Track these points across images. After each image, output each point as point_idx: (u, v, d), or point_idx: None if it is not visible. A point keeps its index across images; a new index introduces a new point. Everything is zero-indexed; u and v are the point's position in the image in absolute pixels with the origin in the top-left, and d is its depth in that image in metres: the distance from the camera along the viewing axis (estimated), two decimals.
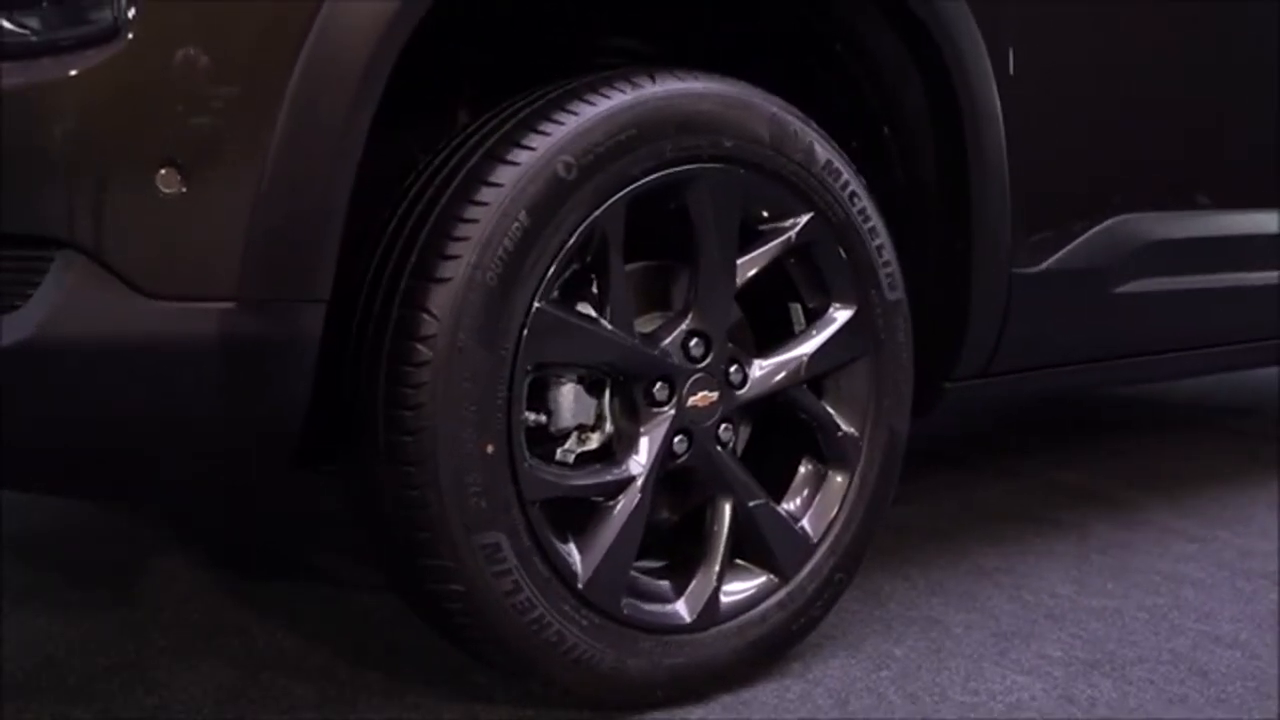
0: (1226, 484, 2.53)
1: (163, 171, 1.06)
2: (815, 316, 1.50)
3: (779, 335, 1.50)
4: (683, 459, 1.40)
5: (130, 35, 1.04)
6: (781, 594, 1.47)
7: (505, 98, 1.34)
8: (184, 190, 1.07)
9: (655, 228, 1.37)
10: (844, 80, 1.61)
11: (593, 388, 1.37)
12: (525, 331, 1.24)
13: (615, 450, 1.37)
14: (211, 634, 1.61)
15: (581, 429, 1.36)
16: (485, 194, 1.21)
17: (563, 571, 1.29)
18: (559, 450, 1.35)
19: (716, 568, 1.42)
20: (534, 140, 1.24)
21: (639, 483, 1.35)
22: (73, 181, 1.05)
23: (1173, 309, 1.91)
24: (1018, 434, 3.07)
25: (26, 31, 1.05)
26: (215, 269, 1.09)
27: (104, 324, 1.06)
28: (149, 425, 1.12)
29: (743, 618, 1.44)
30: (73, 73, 1.03)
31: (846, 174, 1.46)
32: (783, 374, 1.46)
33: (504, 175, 1.22)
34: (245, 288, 1.10)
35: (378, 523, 1.27)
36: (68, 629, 1.61)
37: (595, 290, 1.35)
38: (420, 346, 1.19)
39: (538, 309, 1.24)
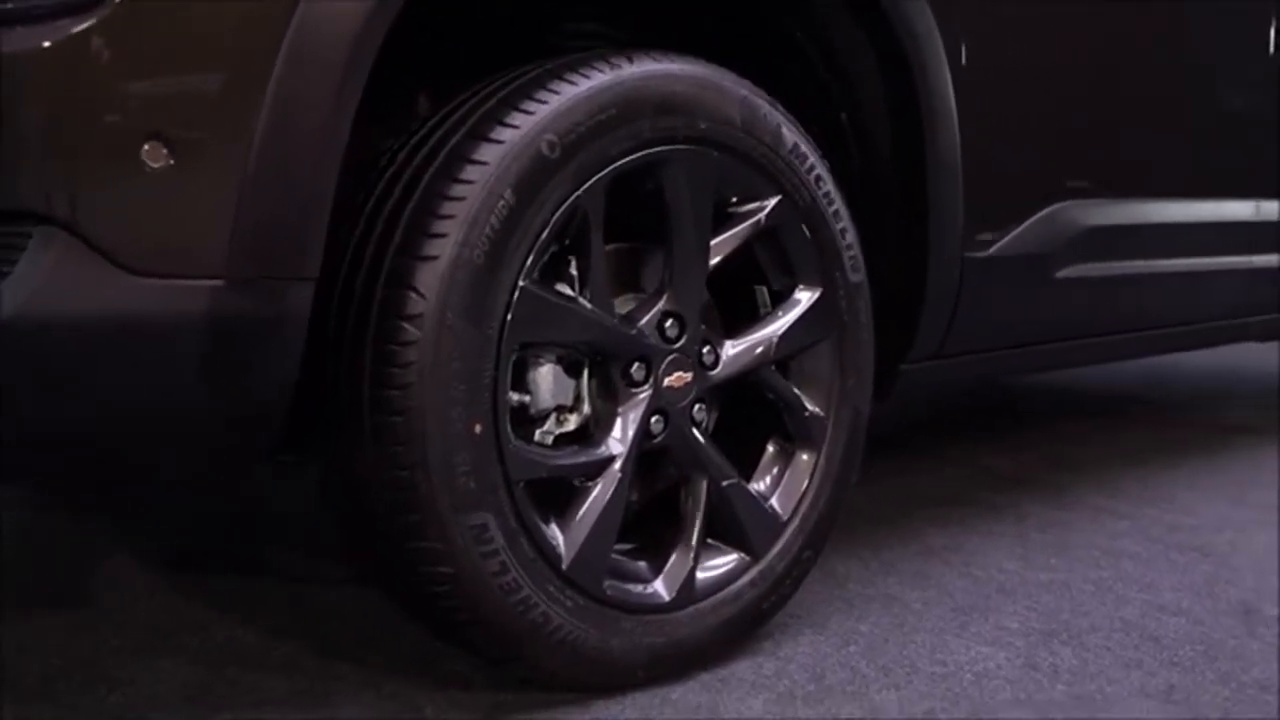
0: (1143, 466, 2.63)
1: (148, 145, 1.03)
2: (781, 298, 1.52)
3: (745, 317, 1.52)
4: (659, 439, 1.40)
5: (114, 1, 1.01)
6: (753, 572, 1.48)
7: (465, 84, 1.34)
8: (170, 164, 1.04)
9: (625, 210, 1.38)
10: (803, 68, 1.64)
11: (570, 369, 1.36)
12: (510, 310, 1.23)
13: (594, 431, 1.37)
14: (167, 632, 1.56)
15: (560, 410, 1.36)
16: (470, 172, 1.21)
17: (547, 552, 1.29)
18: (537, 431, 1.35)
19: (693, 547, 1.43)
20: (517, 119, 1.24)
21: (619, 463, 1.35)
22: (53, 154, 1.01)
23: (1109, 293, 1.99)
24: (944, 422, 3.15)
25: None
26: (203, 246, 1.06)
27: (87, 302, 1.03)
28: (131, 407, 1.08)
29: (717, 596, 1.45)
30: (53, 41, 1.00)
31: (812, 157, 1.49)
32: (753, 355, 1.48)
33: (489, 153, 1.22)
34: (234, 265, 1.07)
35: (361, 508, 1.25)
36: (11, 630, 1.55)
37: (572, 271, 1.35)
38: (408, 325, 1.17)
39: (522, 288, 1.24)
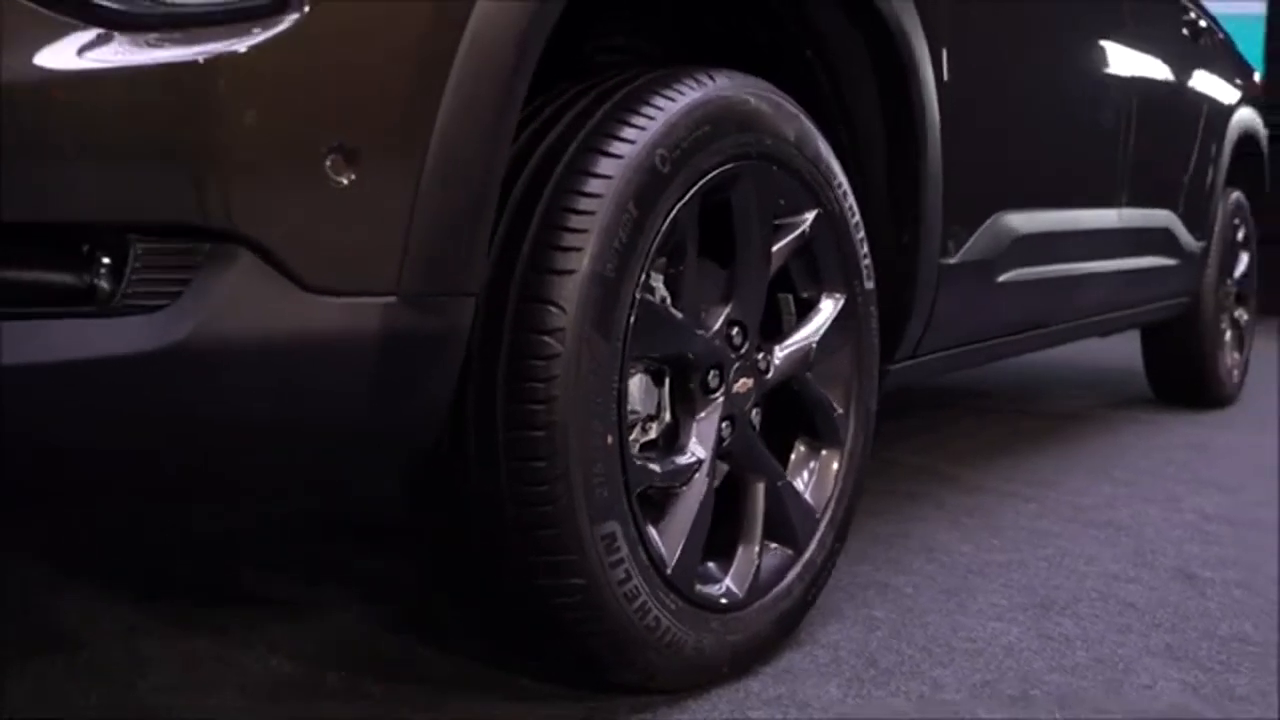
0: (1015, 453, 2.88)
1: (331, 159, 1.00)
2: (809, 306, 1.60)
3: (775, 324, 1.59)
4: (726, 443, 1.45)
5: (304, 8, 0.97)
6: (799, 566, 1.55)
7: None
8: (352, 178, 1.01)
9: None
10: (808, 86, 1.72)
11: (654, 378, 1.39)
12: (631, 322, 1.25)
13: (677, 438, 1.40)
14: (190, 666, 1.47)
15: (646, 419, 1.39)
16: (595, 185, 1.22)
17: (655, 558, 1.32)
18: None
19: (756, 546, 1.49)
20: (629, 133, 1.26)
21: (705, 468, 1.39)
22: (234, 168, 0.96)
23: (1034, 293, 2.19)
24: None
25: (187, 1, 0.95)
26: (378, 262, 1.04)
27: (268, 322, 0.99)
28: (303, 428, 1.04)
29: (775, 591, 1.51)
30: (237, 48, 0.95)
31: (840, 174, 1.57)
32: (797, 359, 1.55)
33: (609, 167, 1.23)
34: (405, 282, 1.05)
35: (481, 524, 1.23)
36: (17, 679, 1.42)
37: (651, 283, 1.38)
38: (549, 339, 1.18)
39: (640, 300, 1.26)
